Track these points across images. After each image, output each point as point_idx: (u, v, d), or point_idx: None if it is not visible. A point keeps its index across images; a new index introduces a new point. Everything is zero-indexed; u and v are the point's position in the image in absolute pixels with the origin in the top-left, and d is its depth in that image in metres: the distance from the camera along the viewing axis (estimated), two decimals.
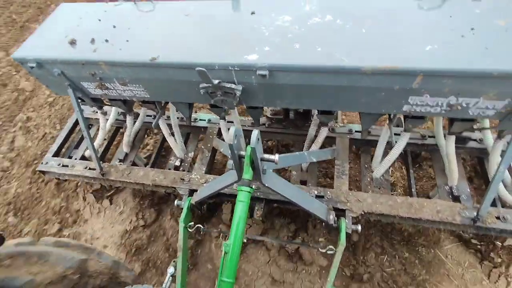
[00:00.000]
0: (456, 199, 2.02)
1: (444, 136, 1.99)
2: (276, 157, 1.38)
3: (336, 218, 1.88)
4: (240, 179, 1.55)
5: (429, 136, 2.24)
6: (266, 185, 1.54)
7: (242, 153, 1.40)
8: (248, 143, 1.32)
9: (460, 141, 2.14)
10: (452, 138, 1.85)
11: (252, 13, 1.73)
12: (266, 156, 1.40)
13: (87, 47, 1.75)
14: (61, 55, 1.75)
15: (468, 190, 2.04)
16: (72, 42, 1.78)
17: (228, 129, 2.30)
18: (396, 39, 1.45)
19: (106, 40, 1.75)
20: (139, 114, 2.60)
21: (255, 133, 1.28)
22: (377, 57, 1.41)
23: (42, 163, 2.50)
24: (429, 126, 2.78)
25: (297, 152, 2.05)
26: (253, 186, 1.51)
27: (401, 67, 1.35)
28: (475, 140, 2.17)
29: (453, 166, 1.93)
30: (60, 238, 1.64)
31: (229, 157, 2.24)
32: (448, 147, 1.87)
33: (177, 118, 2.51)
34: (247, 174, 1.39)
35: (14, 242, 1.45)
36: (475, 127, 1.92)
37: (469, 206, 1.88)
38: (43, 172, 2.51)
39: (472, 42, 1.36)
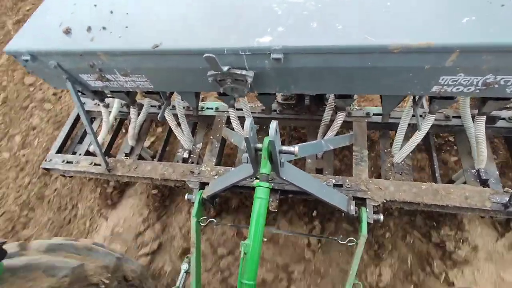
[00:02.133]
0: (484, 183, 1.90)
1: (472, 117, 1.85)
2: (296, 148, 1.27)
3: (356, 208, 1.78)
4: (256, 172, 1.44)
5: (453, 117, 2.09)
6: (285, 178, 1.43)
7: (259, 145, 1.28)
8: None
9: (489, 120, 1.99)
10: (483, 119, 1.71)
11: None
12: (285, 148, 1.28)
13: (83, 36, 1.61)
14: (56, 45, 1.62)
15: (497, 173, 1.91)
16: (67, 31, 1.64)
17: (238, 117, 2.18)
18: (427, 12, 1.29)
19: (104, 28, 1.60)
20: (143, 105, 2.48)
21: (273, 125, 1.16)
22: (405, 34, 1.25)
23: (45, 160, 2.42)
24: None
25: (314, 141, 1.92)
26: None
27: (435, 44, 1.20)
28: (504, 119, 2.02)
29: (482, 148, 1.80)
30: (54, 239, 1.56)
31: (241, 147, 2.14)
32: (478, 128, 1.73)
33: (183, 107, 2.39)
34: (265, 168, 1.28)
35: (60, 238, 1.54)
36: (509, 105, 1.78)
37: (499, 190, 1.77)
38: (47, 170, 2.43)
39: None
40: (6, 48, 1.70)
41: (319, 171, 2.16)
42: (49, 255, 1.36)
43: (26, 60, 1.68)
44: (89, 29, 1.63)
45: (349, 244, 1.75)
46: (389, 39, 1.25)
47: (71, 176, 2.59)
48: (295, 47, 1.33)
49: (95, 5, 1.75)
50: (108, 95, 2.22)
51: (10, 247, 1.34)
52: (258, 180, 1.38)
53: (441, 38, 1.21)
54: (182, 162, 2.34)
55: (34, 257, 1.34)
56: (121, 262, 1.67)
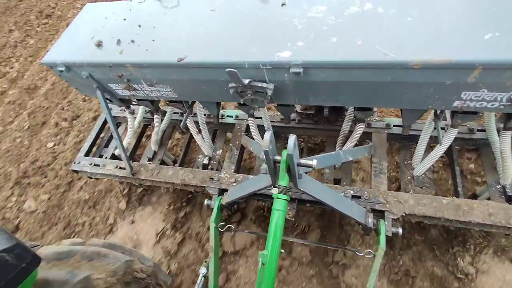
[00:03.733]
0: (509, 199, 1.84)
1: (497, 131, 1.80)
2: (314, 162, 1.29)
3: (374, 221, 1.77)
4: (274, 183, 1.47)
5: (478, 130, 2.04)
6: (302, 189, 1.45)
7: (277, 158, 1.31)
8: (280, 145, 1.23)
9: None
10: (508, 134, 1.66)
11: (283, 4, 1.60)
12: (303, 161, 1.31)
13: (113, 48, 1.71)
14: (88, 58, 1.73)
15: None
16: (99, 44, 1.75)
17: (257, 126, 2.22)
18: (449, 28, 1.28)
19: (132, 41, 1.70)
20: (166, 112, 2.57)
21: (292, 139, 1.18)
22: (426, 50, 1.25)
23: (74, 163, 2.55)
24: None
25: (332, 152, 1.93)
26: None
27: (457, 60, 1.19)
28: None
29: (508, 163, 1.75)
30: (106, 240, 1.69)
31: (259, 156, 2.18)
32: (504, 143, 1.69)
33: (204, 115, 2.46)
34: (283, 180, 1.31)
35: (68, 241, 1.57)
36: None
37: None
38: (76, 172, 2.57)
39: None
40: (43, 59, 1.83)
41: (337, 181, 2.16)
42: (56, 266, 1.36)
43: (61, 71, 1.80)
44: (118, 42, 1.73)
45: (366, 256, 1.75)
46: (409, 55, 1.25)
47: (97, 178, 2.72)
48: (315, 61, 1.36)
49: (125, 19, 1.85)
50: (134, 103, 2.33)
51: (75, 240, 1.48)
52: (277, 189, 1.41)
53: (463, 54, 1.20)
54: (202, 168, 2.41)
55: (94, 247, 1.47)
56: (131, 263, 1.63)
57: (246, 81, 1.47)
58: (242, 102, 1.65)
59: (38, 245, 1.35)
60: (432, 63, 1.22)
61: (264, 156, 1.30)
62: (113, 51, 1.70)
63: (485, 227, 1.73)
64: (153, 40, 1.68)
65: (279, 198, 1.32)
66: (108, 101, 2.08)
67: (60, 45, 1.87)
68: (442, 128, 2.09)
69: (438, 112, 1.67)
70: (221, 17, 1.69)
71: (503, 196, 1.85)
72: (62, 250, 1.42)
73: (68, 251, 1.44)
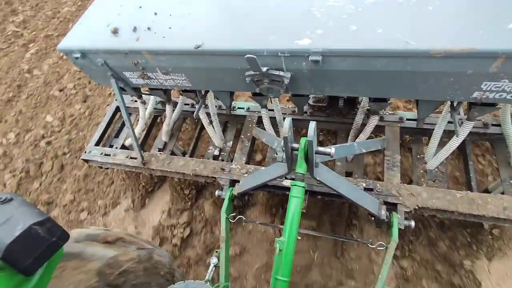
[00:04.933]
0: None
1: None
2: (332, 150, 1.28)
3: (387, 213, 1.77)
4: (290, 171, 1.47)
5: (493, 125, 2.02)
6: (318, 178, 1.45)
7: (295, 145, 1.31)
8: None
9: None
10: None
11: None
12: (322, 149, 1.30)
13: (129, 36, 1.71)
14: (104, 44, 1.73)
15: None
16: (115, 31, 1.75)
17: (270, 117, 2.22)
18: (471, 17, 1.27)
19: (149, 28, 1.69)
20: (177, 102, 2.57)
21: (312, 125, 1.18)
22: (448, 38, 1.24)
23: (85, 152, 2.56)
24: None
25: (346, 143, 1.92)
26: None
27: (480, 49, 1.18)
28: None
29: None
30: (91, 229, 1.70)
31: (273, 147, 2.17)
32: None
33: (216, 106, 2.46)
34: (301, 168, 1.31)
35: (95, 228, 1.64)
36: None
37: None
38: (87, 161, 2.58)
39: None
40: (59, 46, 1.83)
41: (349, 174, 2.15)
42: (90, 243, 1.47)
43: (77, 58, 1.80)
44: (135, 29, 1.73)
45: (378, 248, 1.74)
46: (431, 44, 1.24)
47: (107, 168, 2.73)
48: (334, 49, 1.35)
49: (140, 7, 1.85)
50: (145, 93, 2.33)
51: (100, 228, 1.52)
52: (288, 181, 1.41)
53: (486, 43, 1.19)
54: (213, 159, 2.41)
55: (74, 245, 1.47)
56: (152, 253, 1.72)
57: (264, 69, 1.47)
58: (257, 91, 1.65)
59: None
60: (454, 51, 1.21)
61: (278, 145, 1.30)
62: (129, 38, 1.70)
63: (499, 221, 1.73)
64: (170, 28, 1.67)
65: (296, 186, 1.32)
66: (121, 90, 2.09)
67: (76, 32, 1.87)
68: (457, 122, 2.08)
69: (455, 104, 1.66)
70: (238, 6, 1.68)
71: None
72: (93, 233, 1.50)
73: (98, 234, 1.53)
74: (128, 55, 1.71)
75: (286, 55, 1.42)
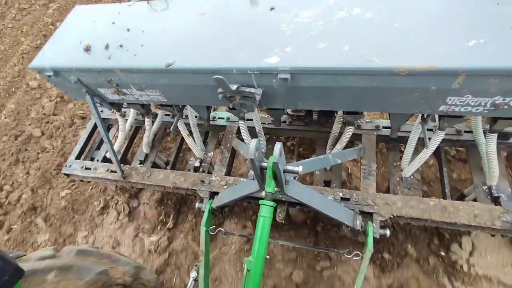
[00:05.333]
0: (495, 200, 1.87)
1: (484, 133, 1.83)
2: (300, 168, 1.30)
3: (362, 223, 1.79)
4: (262, 189, 1.48)
5: (465, 131, 2.07)
6: (289, 195, 1.46)
7: (264, 164, 1.32)
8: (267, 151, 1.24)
9: (501, 136, 1.95)
10: (494, 136, 1.69)
11: (272, 8, 1.60)
12: (290, 167, 1.32)
13: (101, 53, 1.70)
14: (77, 63, 1.72)
15: (510, 190, 1.88)
16: (87, 49, 1.74)
17: (248, 128, 2.23)
18: (434, 34, 1.30)
19: (121, 46, 1.69)
20: (157, 114, 2.57)
21: (277, 147, 1.20)
22: (412, 56, 1.27)
23: (65, 166, 2.54)
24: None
25: (321, 156, 1.94)
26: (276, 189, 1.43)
27: (440, 67, 1.20)
28: None
29: (494, 165, 1.78)
30: (82, 246, 1.70)
31: (248, 161, 2.18)
32: (489, 145, 1.71)
33: (195, 117, 2.46)
34: (269, 187, 1.32)
35: (36, 255, 1.48)
36: None
37: (510, 208, 1.74)
38: (67, 175, 2.56)
39: None
40: (31, 64, 1.81)
41: (327, 183, 2.17)
42: (81, 258, 1.48)
43: (49, 76, 1.79)
44: (107, 46, 1.72)
45: (354, 258, 1.77)
46: (395, 62, 1.26)
47: (89, 181, 2.71)
48: (302, 68, 1.37)
49: (113, 23, 1.84)
50: (124, 106, 2.32)
51: (44, 251, 1.49)
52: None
53: (447, 61, 1.21)
54: (194, 171, 2.41)
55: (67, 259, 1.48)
56: (139, 270, 1.72)
57: (234, 87, 1.48)
58: (231, 107, 1.66)
59: (24, 255, 1.35)
60: (417, 69, 1.24)
61: None
62: (101, 56, 1.69)
63: (471, 228, 1.77)
64: (142, 45, 1.67)
65: (265, 205, 1.33)
66: (98, 104, 2.07)
67: (49, 49, 1.85)
68: (431, 130, 2.12)
69: (425, 115, 1.69)
70: (210, 21, 1.68)
71: (488, 197, 1.89)
72: (84, 249, 1.55)
73: (89, 250, 1.58)
74: (101, 73, 1.70)
75: (256, 73, 1.43)
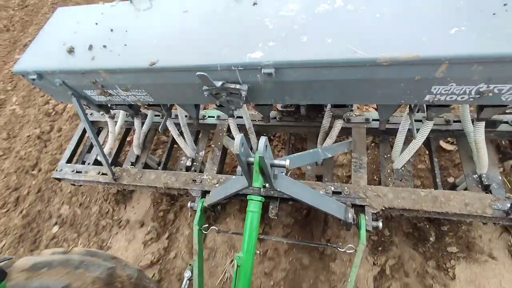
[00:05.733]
0: (486, 188, 1.88)
1: (472, 121, 1.83)
2: (286, 162, 1.29)
3: (355, 216, 1.79)
4: (250, 184, 1.47)
5: (454, 121, 2.07)
6: (279, 189, 1.46)
7: (251, 159, 1.31)
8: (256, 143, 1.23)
9: (490, 124, 1.96)
10: (481, 125, 1.69)
11: (254, 3, 1.59)
12: (277, 161, 1.31)
13: (85, 54, 1.68)
14: (60, 65, 1.70)
15: (500, 178, 1.88)
16: (70, 50, 1.72)
17: (238, 125, 2.22)
18: (416, 24, 1.29)
19: (104, 46, 1.67)
20: (147, 114, 2.55)
21: (262, 141, 1.19)
22: (394, 46, 1.26)
23: (56, 170, 2.52)
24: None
25: (311, 150, 1.94)
26: (266, 185, 1.43)
27: (423, 56, 1.20)
28: (506, 122, 1.98)
29: (483, 153, 1.78)
30: (89, 248, 1.69)
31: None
32: (477, 134, 1.72)
33: (185, 116, 2.44)
34: (257, 182, 1.31)
35: (49, 251, 1.56)
36: (508, 110, 1.75)
37: (501, 196, 1.74)
38: (58, 179, 2.53)
39: (505, 21, 1.19)
40: (15, 68, 1.79)
41: (319, 177, 2.17)
42: (36, 274, 1.32)
43: (33, 79, 1.76)
44: (90, 47, 1.70)
45: (347, 251, 1.77)
46: (378, 53, 1.26)
47: (80, 185, 2.69)
48: (285, 62, 1.36)
49: (97, 24, 1.82)
50: (113, 107, 2.30)
51: (57, 249, 1.53)
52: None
53: (429, 50, 1.21)
54: (185, 170, 2.40)
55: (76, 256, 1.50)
56: (114, 271, 1.61)
57: (219, 83, 1.47)
58: (217, 105, 1.65)
59: (11, 258, 1.33)
60: (400, 59, 1.23)
61: None
62: (85, 57, 1.67)
63: (462, 217, 1.77)
64: (125, 45, 1.65)
65: (253, 200, 1.33)
66: (86, 107, 2.05)
67: (31, 52, 1.83)
68: (420, 120, 2.12)
69: (412, 106, 1.69)
70: (193, 19, 1.67)
71: (479, 186, 1.89)
72: (42, 260, 1.41)
73: (49, 261, 1.43)
74: (85, 75, 1.69)
75: (240, 68, 1.42)
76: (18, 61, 1.81)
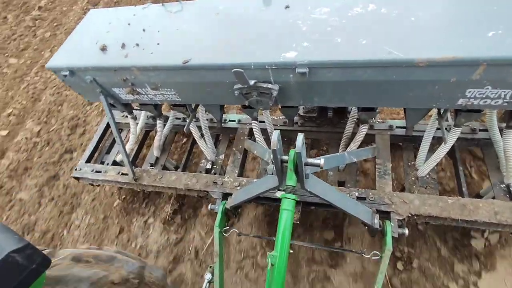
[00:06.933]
0: None
1: (500, 130, 1.81)
2: (321, 161, 1.28)
3: (380, 222, 1.76)
4: (281, 184, 1.46)
5: (480, 130, 2.05)
6: (309, 190, 1.45)
7: (285, 157, 1.31)
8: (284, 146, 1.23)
9: None
10: (511, 133, 1.67)
11: (286, 7, 1.63)
12: (311, 160, 1.30)
13: (118, 52, 1.72)
14: (93, 62, 1.73)
15: None
16: (103, 48, 1.76)
17: (261, 129, 2.22)
18: (452, 26, 1.30)
19: (137, 45, 1.71)
20: (168, 117, 2.57)
21: (300, 138, 1.18)
22: (430, 47, 1.27)
23: (76, 169, 2.53)
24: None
25: (337, 153, 1.93)
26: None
27: (461, 57, 1.21)
28: None
29: None
30: (79, 249, 1.68)
31: (264, 159, 2.17)
32: (507, 142, 1.70)
33: (207, 119, 2.46)
34: (291, 180, 1.30)
35: (84, 246, 1.54)
36: None
37: None
38: (77, 179, 2.54)
39: None
40: (48, 64, 1.83)
41: (341, 183, 2.15)
42: (76, 265, 1.42)
43: (65, 76, 1.80)
44: (123, 46, 1.74)
45: (373, 258, 1.73)
46: (414, 53, 1.27)
47: (99, 185, 2.69)
48: (320, 61, 1.37)
49: (129, 24, 1.87)
50: (136, 108, 2.33)
51: (91, 247, 1.49)
52: (281, 192, 1.40)
53: (467, 51, 1.22)
54: (205, 173, 2.40)
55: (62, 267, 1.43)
56: (144, 270, 1.68)
57: (252, 82, 1.48)
58: (247, 104, 1.66)
59: (45, 249, 1.33)
60: (437, 60, 1.24)
61: (270, 157, 1.30)
62: (118, 55, 1.71)
63: (491, 226, 1.73)
64: (158, 44, 1.69)
65: (287, 198, 1.31)
66: (111, 106, 2.08)
67: (64, 50, 1.87)
68: (446, 129, 2.11)
69: (442, 111, 1.68)
70: (225, 21, 1.71)
71: (507, 195, 1.85)
72: (79, 252, 1.45)
73: (84, 253, 1.47)
74: (117, 72, 1.71)
75: (273, 67, 1.44)
76: (51, 58, 1.85)
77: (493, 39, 1.22)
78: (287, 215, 1.29)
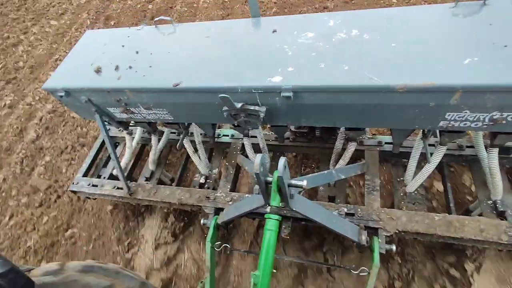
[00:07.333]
0: (500, 214, 1.87)
1: (485, 148, 1.85)
2: (304, 182, 1.33)
3: (368, 238, 1.79)
4: (267, 203, 1.51)
5: (467, 146, 2.09)
6: (294, 209, 1.48)
7: (269, 179, 1.35)
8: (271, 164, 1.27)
9: (504, 151, 1.97)
10: (495, 151, 1.71)
11: (274, 31, 1.68)
12: (294, 181, 1.35)
13: (112, 74, 1.78)
14: (88, 83, 1.79)
15: None
16: (98, 70, 1.82)
17: (252, 144, 2.27)
18: (430, 53, 1.35)
19: (130, 67, 1.77)
20: (163, 132, 2.63)
21: (281, 161, 1.23)
22: (410, 74, 1.32)
23: (73, 183, 2.58)
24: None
25: (325, 171, 1.97)
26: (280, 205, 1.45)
27: (438, 84, 1.25)
28: None
29: (497, 179, 1.79)
30: (87, 261, 1.70)
31: (254, 176, 2.21)
32: (491, 160, 1.73)
33: (200, 134, 2.51)
34: (275, 201, 1.35)
35: (40, 271, 1.51)
36: None
37: None
38: (74, 192, 2.59)
39: None
40: (44, 85, 1.89)
41: (332, 199, 2.19)
42: (84, 275, 1.48)
43: (61, 96, 1.86)
44: (117, 68, 1.80)
45: (361, 274, 1.76)
46: (394, 80, 1.31)
47: (95, 199, 2.74)
48: (303, 86, 1.42)
49: (123, 46, 1.93)
50: (132, 124, 2.38)
51: (50, 266, 1.49)
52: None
53: (444, 78, 1.26)
54: (199, 187, 2.44)
55: (72, 274, 1.48)
56: (147, 286, 1.72)
57: (239, 105, 1.53)
58: (236, 124, 1.71)
59: (33, 268, 1.36)
60: (415, 86, 1.28)
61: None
62: (111, 77, 1.77)
63: (477, 243, 1.76)
64: (150, 66, 1.75)
65: (271, 218, 1.35)
66: (106, 123, 2.14)
67: (61, 71, 1.94)
68: (433, 145, 2.15)
69: (426, 131, 1.72)
70: (215, 44, 1.76)
71: (494, 212, 1.88)
72: (88, 264, 1.51)
73: (93, 265, 1.53)
74: (111, 93, 1.77)
75: (260, 91, 1.49)
76: (49, 79, 1.91)
77: (468, 66, 1.26)
78: (270, 235, 1.33)
